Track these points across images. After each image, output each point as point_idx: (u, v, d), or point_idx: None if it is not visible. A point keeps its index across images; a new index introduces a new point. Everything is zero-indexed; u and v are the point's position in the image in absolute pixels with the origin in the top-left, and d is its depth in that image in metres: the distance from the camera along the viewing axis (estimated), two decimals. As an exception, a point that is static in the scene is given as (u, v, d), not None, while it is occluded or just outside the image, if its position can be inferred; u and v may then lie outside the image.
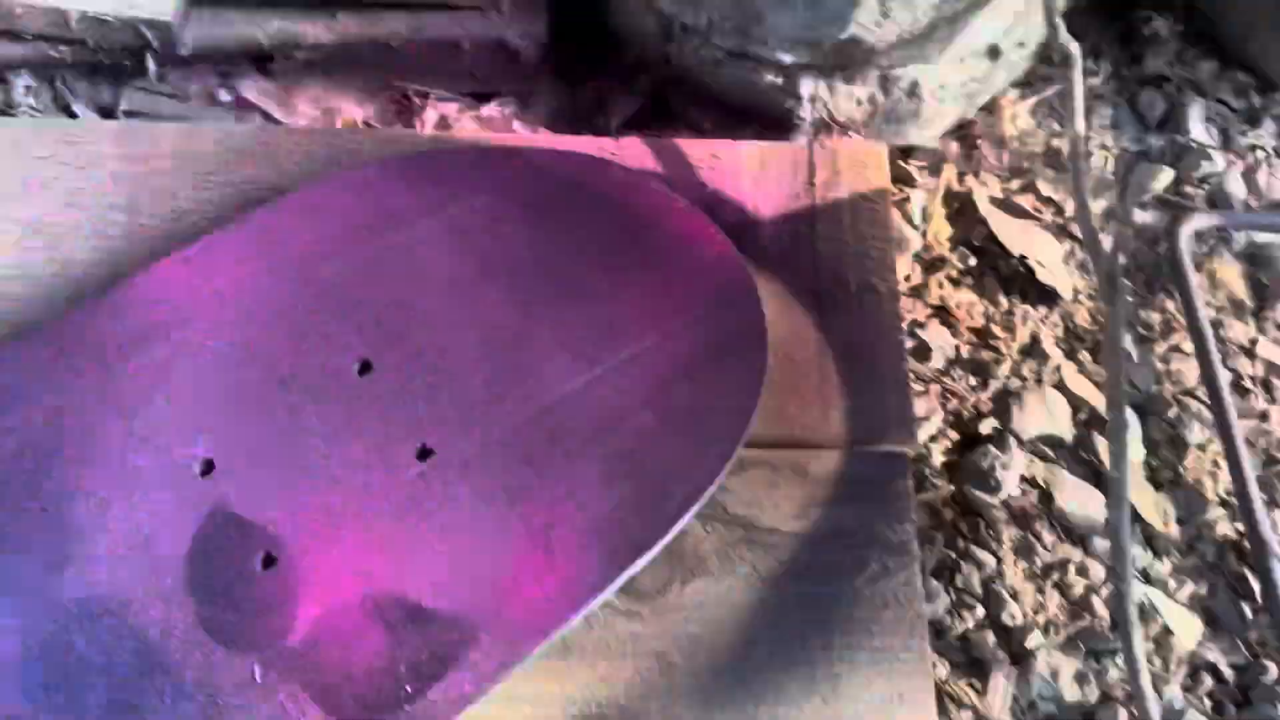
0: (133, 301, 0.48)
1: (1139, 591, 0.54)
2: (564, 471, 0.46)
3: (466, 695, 0.41)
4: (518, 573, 0.44)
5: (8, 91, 0.61)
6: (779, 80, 0.59)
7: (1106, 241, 0.60)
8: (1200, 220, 0.63)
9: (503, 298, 0.50)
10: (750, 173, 0.58)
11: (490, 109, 0.62)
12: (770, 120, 0.61)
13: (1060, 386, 0.59)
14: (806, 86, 0.59)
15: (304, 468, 0.45)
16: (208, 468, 0.44)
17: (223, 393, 0.46)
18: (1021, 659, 0.52)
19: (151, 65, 0.58)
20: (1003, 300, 0.61)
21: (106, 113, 0.61)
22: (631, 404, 0.48)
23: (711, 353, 0.50)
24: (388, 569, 0.43)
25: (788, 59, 0.57)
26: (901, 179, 0.64)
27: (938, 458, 0.57)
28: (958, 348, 0.60)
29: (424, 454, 0.45)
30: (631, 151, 0.57)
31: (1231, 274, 0.64)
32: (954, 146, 0.66)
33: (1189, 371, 0.60)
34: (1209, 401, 0.54)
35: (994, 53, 0.61)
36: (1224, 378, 0.54)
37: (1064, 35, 0.54)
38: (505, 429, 0.46)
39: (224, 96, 0.61)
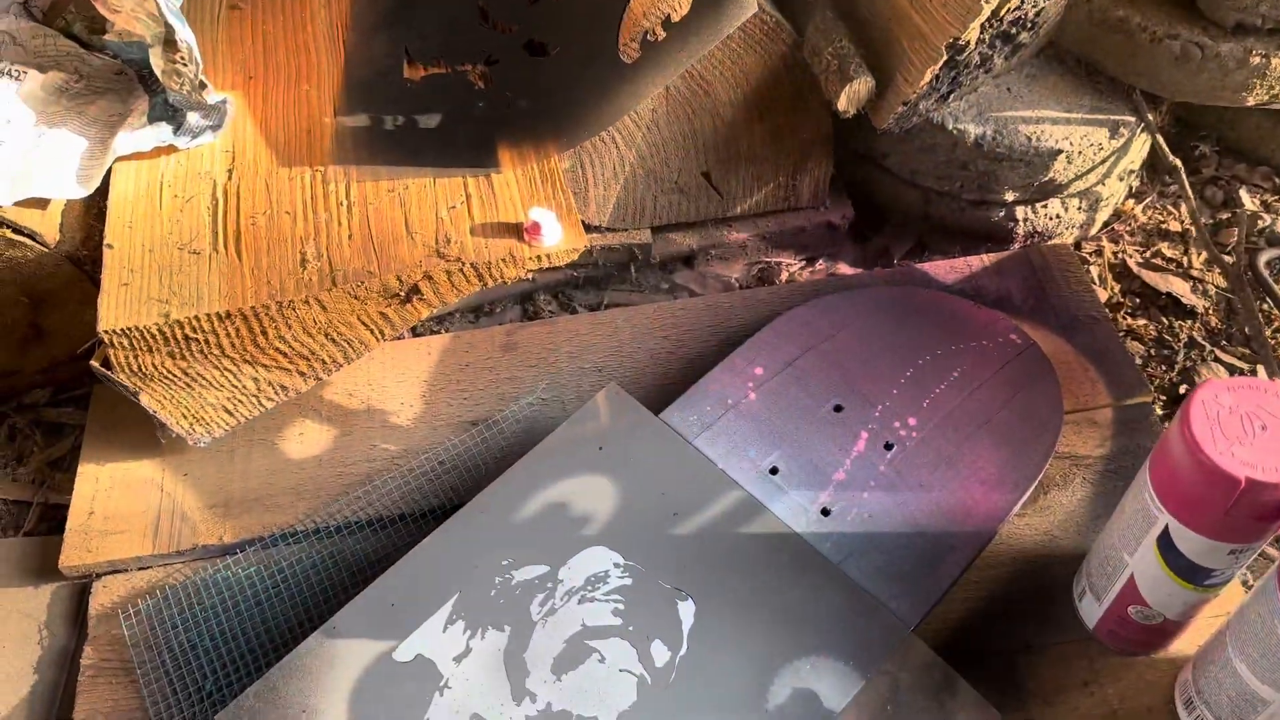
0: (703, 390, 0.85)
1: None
2: (971, 445, 0.82)
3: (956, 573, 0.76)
4: (974, 498, 0.79)
5: (535, 303, 1.00)
6: (1001, 212, 0.98)
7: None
8: (1268, 252, 1.00)
9: (893, 359, 0.87)
10: (994, 271, 0.96)
11: (819, 265, 1.02)
12: (997, 238, 1.00)
13: (1216, 360, 0.95)
14: (1019, 213, 0.98)
15: (828, 461, 0.81)
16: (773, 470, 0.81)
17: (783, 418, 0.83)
18: None
19: (632, 271, 0.98)
20: (1164, 320, 0.98)
21: (593, 308, 1.00)
22: (994, 408, 0.84)
23: (1025, 379, 0.86)
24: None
25: (1010, 198, 0.96)
26: (1083, 259, 1.02)
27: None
28: (1147, 352, 0.96)
29: (889, 446, 0.82)
30: (915, 275, 0.96)
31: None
32: (1104, 236, 1.05)
33: (1291, 341, 0.96)
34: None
35: (1122, 177, 1.01)
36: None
37: (1170, 158, 0.93)
38: (933, 425, 0.83)
39: (663, 285, 1.00)
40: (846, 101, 0.84)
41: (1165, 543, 0.63)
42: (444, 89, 0.88)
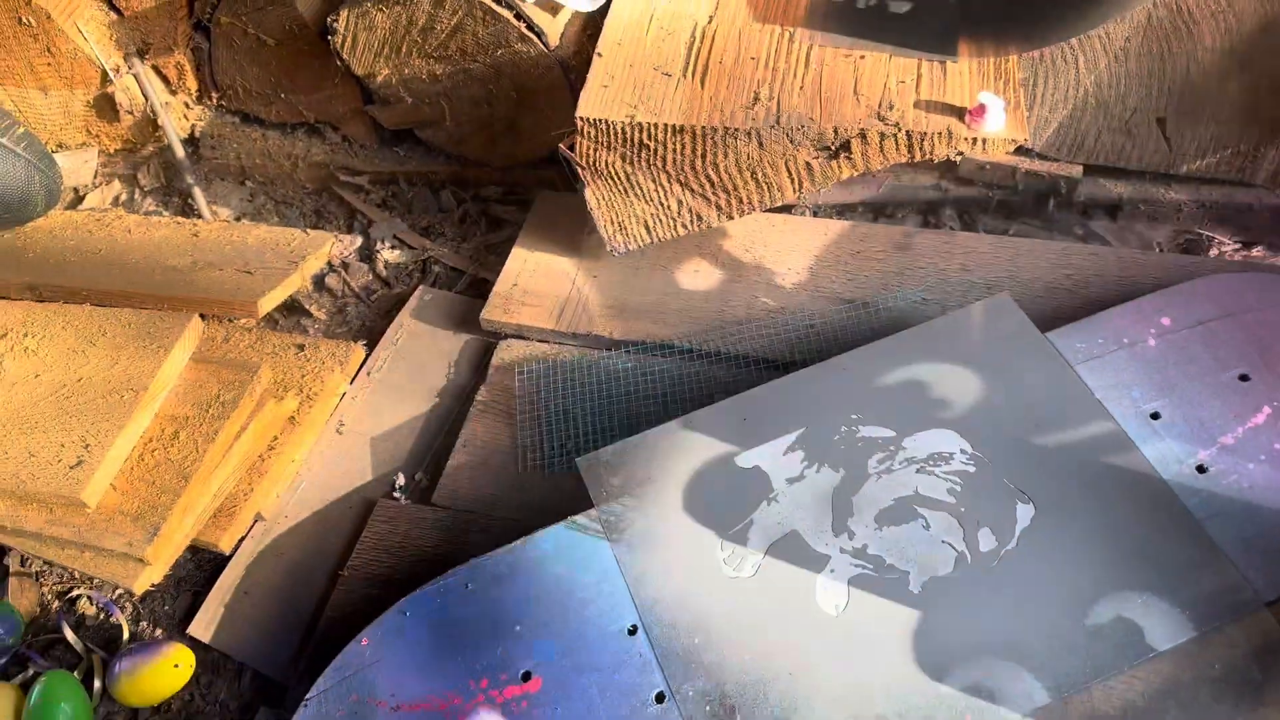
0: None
1: None
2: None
3: None
4: None
5: (938, 217, 1.02)
6: None
7: None
8: None
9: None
10: None
11: (1257, 251, 0.94)
12: None
13: None
14: None
15: (1218, 424, 0.76)
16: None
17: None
18: None
19: (1050, 206, 0.97)
20: None
21: (1000, 234, 1.00)
22: None
23: None
24: None
25: None
26: None
27: None
28: None
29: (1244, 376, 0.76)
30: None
31: None
32: None
33: None
34: None
35: None
36: None
37: None
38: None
39: (1077, 230, 0.98)
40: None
41: None
42: (921, -18, 0.92)
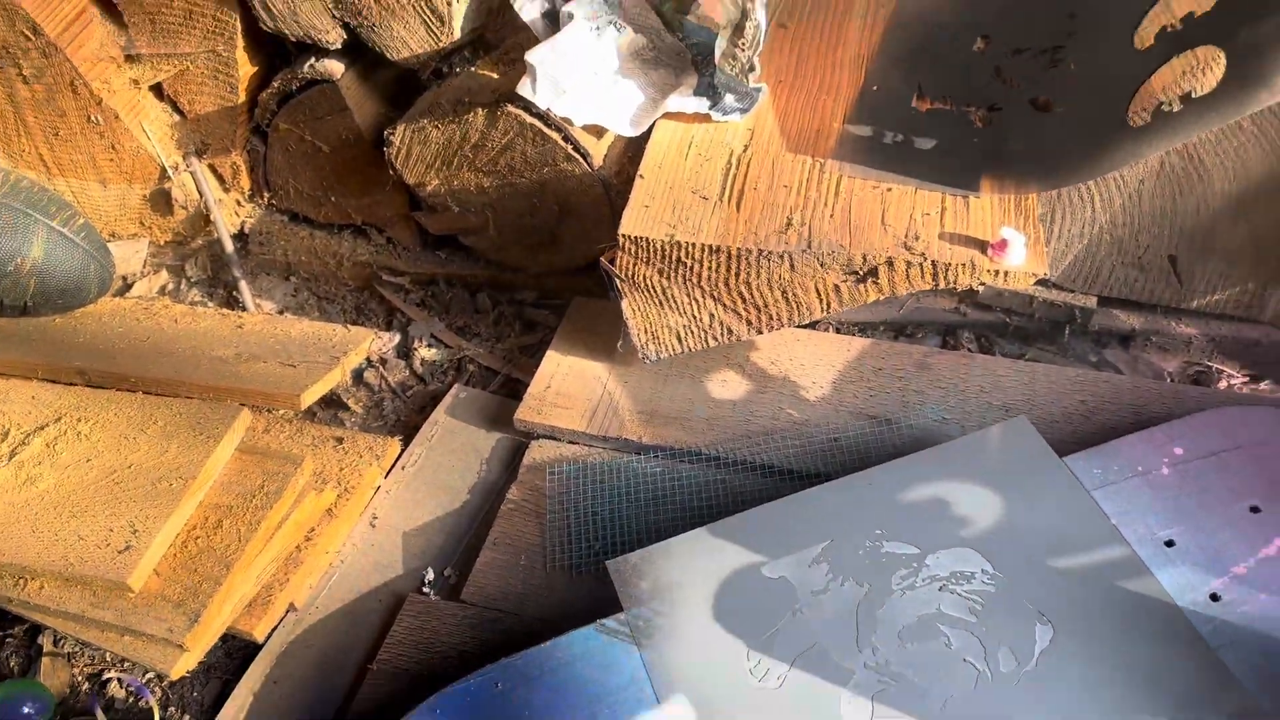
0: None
1: None
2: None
3: None
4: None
5: (956, 339, 1.06)
6: None
7: None
8: None
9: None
10: None
11: (1264, 386, 0.98)
12: None
13: None
14: None
15: (1231, 553, 0.79)
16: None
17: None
18: None
19: (1065, 334, 1.01)
20: None
21: (1016, 359, 1.04)
22: None
23: None
24: None
25: None
26: None
27: None
28: None
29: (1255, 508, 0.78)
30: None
31: None
32: None
33: None
34: None
35: None
36: None
37: None
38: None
39: (1091, 357, 1.02)
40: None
41: None
42: (945, 121, 0.98)
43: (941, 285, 0.86)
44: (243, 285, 1.24)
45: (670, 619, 0.79)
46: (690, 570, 0.82)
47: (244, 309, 1.23)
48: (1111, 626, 0.76)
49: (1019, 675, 0.74)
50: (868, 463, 0.89)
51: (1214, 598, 0.77)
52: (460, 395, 1.08)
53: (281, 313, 1.24)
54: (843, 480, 0.87)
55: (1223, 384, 0.99)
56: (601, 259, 0.95)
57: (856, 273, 0.88)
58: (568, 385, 1.02)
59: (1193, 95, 0.83)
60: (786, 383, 1.01)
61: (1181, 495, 0.83)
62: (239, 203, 1.25)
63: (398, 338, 1.18)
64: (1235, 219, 0.93)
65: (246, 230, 1.26)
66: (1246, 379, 0.99)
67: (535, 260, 1.14)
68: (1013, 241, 0.84)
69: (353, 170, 1.16)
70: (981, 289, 0.87)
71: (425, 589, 0.91)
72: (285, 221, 1.25)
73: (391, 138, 1.06)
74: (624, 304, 0.96)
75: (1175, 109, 0.83)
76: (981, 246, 0.86)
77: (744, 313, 0.94)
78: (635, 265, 0.93)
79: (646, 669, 0.76)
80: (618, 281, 0.94)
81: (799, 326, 0.99)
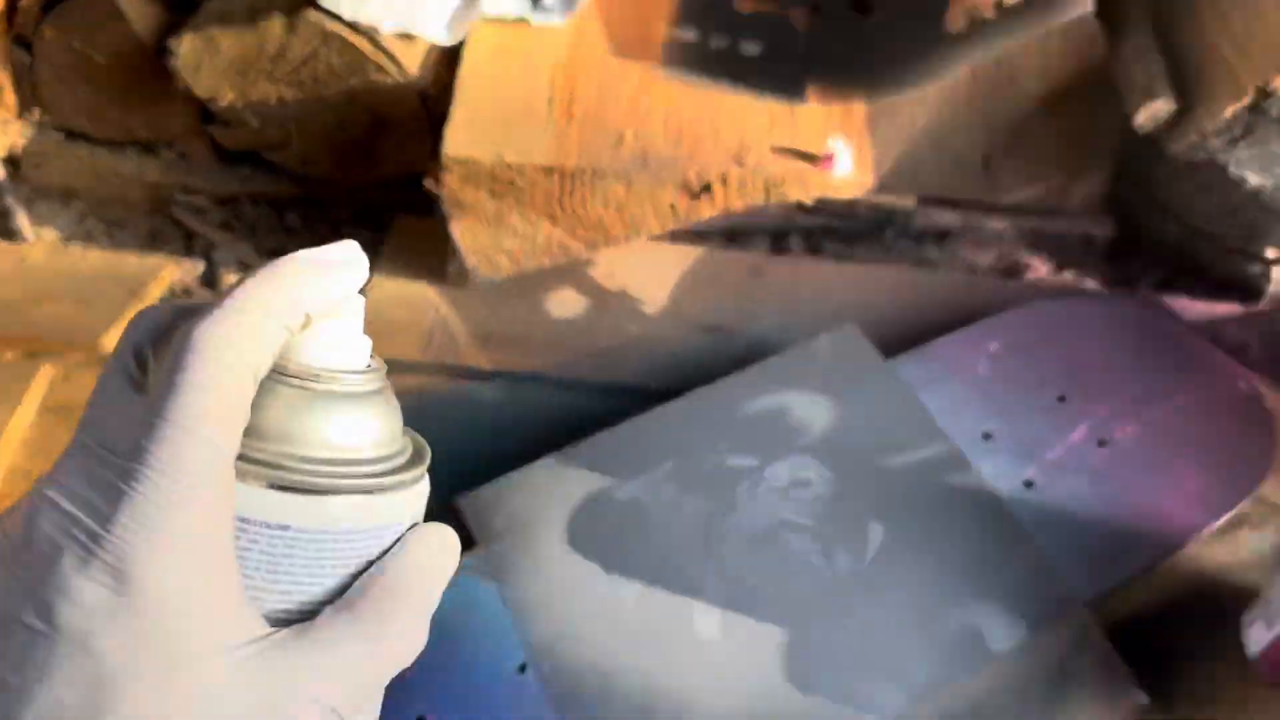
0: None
1: None
2: (1179, 464, 0.85)
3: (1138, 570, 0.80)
4: (1171, 510, 0.82)
5: (786, 242, 1.08)
6: (1257, 267, 0.99)
7: None
8: None
9: (1125, 371, 0.90)
10: (1236, 322, 0.98)
11: (1069, 275, 1.05)
12: (1245, 291, 1.01)
13: None
14: (1275, 273, 0.99)
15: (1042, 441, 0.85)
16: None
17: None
18: None
19: (888, 235, 1.04)
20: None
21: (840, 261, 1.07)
22: (1209, 439, 0.86)
23: (1244, 424, 0.88)
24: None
25: (1271, 255, 0.98)
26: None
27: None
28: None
29: (1103, 443, 0.85)
30: (1158, 305, 0.99)
31: None
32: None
33: None
34: None
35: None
36: None
37: None
38: (1149, 437, 0.86)
39: (912, 257, 1.06)
40: (1146, 117, 0.87)
41: (1371, 579, 0.65)
42: (769, 25, 0.97)
43: (773, 199, 0.87)
44: (19, 214, 1.11)
45: (526, 551, 0.79)
46: (542, 500, 0.82)
47: (22, 240, 1.11)
48: (938, 520, 0.81)
49: (857, 572, 0.78)
50: (710, 376, 0.91)
51: (1028, 485, 0.83)
52: (282, 326, 1.02)
53: (67, 242, 1.12)
54: (685, 398, 0.88)
55: (1032, 275, 1.05)
56: (426, 180, 0.90)
57: (691, 190, 0.88)
58: (396, 312, 0.98)
59: (1004, 3, 0.85)
60: (626, 298, 1.00)
61: (997, 390, 0.89)
62: (6, 121, 1.10)
63: (202, 265, 1.09)
64: (1044, 118, 0.97)
65: (18, 152, 1.12)
66: (1053, 270, 1.06)
67: (349, 175, 1.08)
68: (840, 153, 0.85)
69: (134, 82, 1.04)
70: (811, 202, 0.88)
71: (264, 536, 0.87)
72: (61, 140, 1.12)
73: (175, 48, 0.96)
74: (452, 226, 0.92)
75: (990, 17, 0.85)
76: (811, 159, 0.87)
77: (580, 232, 0.92)
78: (463, 187, 0.89)
79: (506, 603, 0.76)
80: (445, 205, 0.90)
81: (634, 240, 0.97)
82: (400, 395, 0.96)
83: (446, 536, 0.35)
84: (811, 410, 0.87)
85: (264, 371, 0.31)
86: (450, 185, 0.89)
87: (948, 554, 0.79)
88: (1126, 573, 0.79)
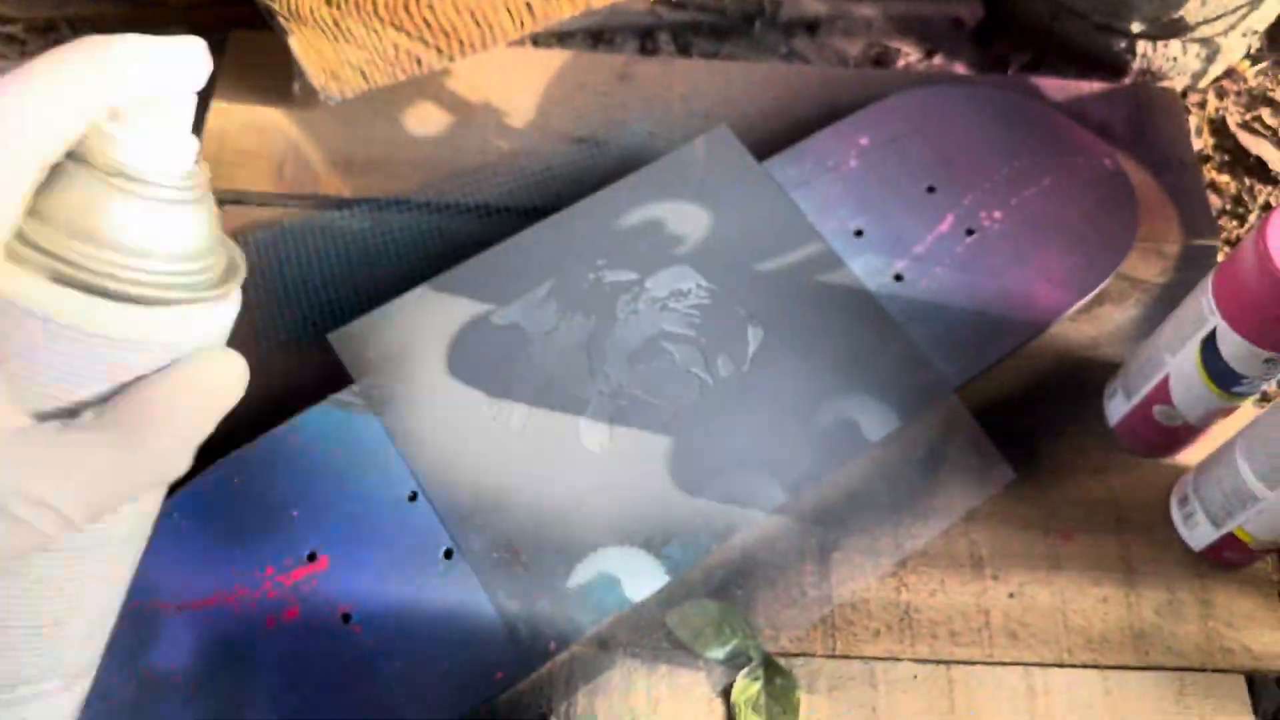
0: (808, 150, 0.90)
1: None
2: (1044, 246, 0.87)
3: (1003, 353, 0.83)
4: (1036, 293, 0.85)
5: (655, 40, 1.03)
6: (1124, 43, 1.00)
7: (1315, 146, 1.00)
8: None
9: (992, 157, 0.91)
10: (1102, 99, 0.99)
11: (937, 60, 1.04)
12: (1112, 68, 1.02)
13: (1288, 228, 0.99)
14: (1140, 47, 1.00)
15: (911, 234, 0.87)
16: (859, 232, 0.86)
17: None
18: None
19: (756, 27, 1.00)
20: (1246, 180, 1.02)
21: (709, 56, 1.03)
22: (1073, 219, 0.89)
23: (1107, 200, 0.90)
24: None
25: (1136, 29, 0.98)
26: (1186, 108, 1.04)
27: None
28: (1223, 206, 1.00)
29: (970, 231, 0.87)
30: (1026, 87, 0.99)
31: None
32: (1211, 90, 1.06)
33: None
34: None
35: (1245, 34, 1.01)
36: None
37: (1304, 20, 0.94)
38: (1015, 221, 0.88)
39: (781, 49, 1.03)
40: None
41: (1209, 344, 0.69)
42: None
43: (635, -6, 0.82)
44: None
45: (405, 382, 0.78)
46: (418, 330, 0.80)
47: None
48: (813, 318, 0.83)
49: (737, 376, 0.80)
50: (583, 190, 0.88)
51: (898, 278, 0.85)
52: (120, 164, 0.94)
53: None
54: (559, 215, 0.86)
55: (902, 63, 1.03)
56: (255, -8, 0.82)
57: (546, -12, 0.82)
58: (244, 140, 0.92)
59: None
60: (490, 110, 0.95)
61: (868, 184, 0.89)
62: None
63: (23, 100, 0.99)
64: (909, -104, 0.93)
65: None
66: (922, 54, 1.04)
67: (174, -9, 0.98)
68: (702, -57, 0.80)
69: (-100, -111, 0.91)
70: (661, 14, 0.83)
71: (131, 388, 0.84)
72: None
73: None
74: (291, 41, 0.84)
75: None
76: (671, -51, 0.82)
77: (431, 40, 0.86)
78: (297, -3, 0.82)
79: (390, 435, 0.76)
80: (280, 18, 0.82)
81: (492, 48, 0.92)
82: (256, 229, 0.90)
83: (233, 365, 0.34)
84: (688, 219, 0.86)
85: (54, 157, 0.29)
86: (282, -4, 0.81)
87: (823, 351, 0.81)
88: (994, 357, 0.82)
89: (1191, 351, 0.71)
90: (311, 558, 0.72)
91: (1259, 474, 0.68)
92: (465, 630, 0.71)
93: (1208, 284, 0.69)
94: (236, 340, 0.88)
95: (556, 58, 0.98)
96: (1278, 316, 0.64)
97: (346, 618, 0.71)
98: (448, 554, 0.73)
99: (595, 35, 1.03)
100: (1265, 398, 0.87)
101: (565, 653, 0.72)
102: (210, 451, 0.78)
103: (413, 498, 0.74)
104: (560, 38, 1.02)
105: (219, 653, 0.69)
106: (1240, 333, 0.67)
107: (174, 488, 0.75)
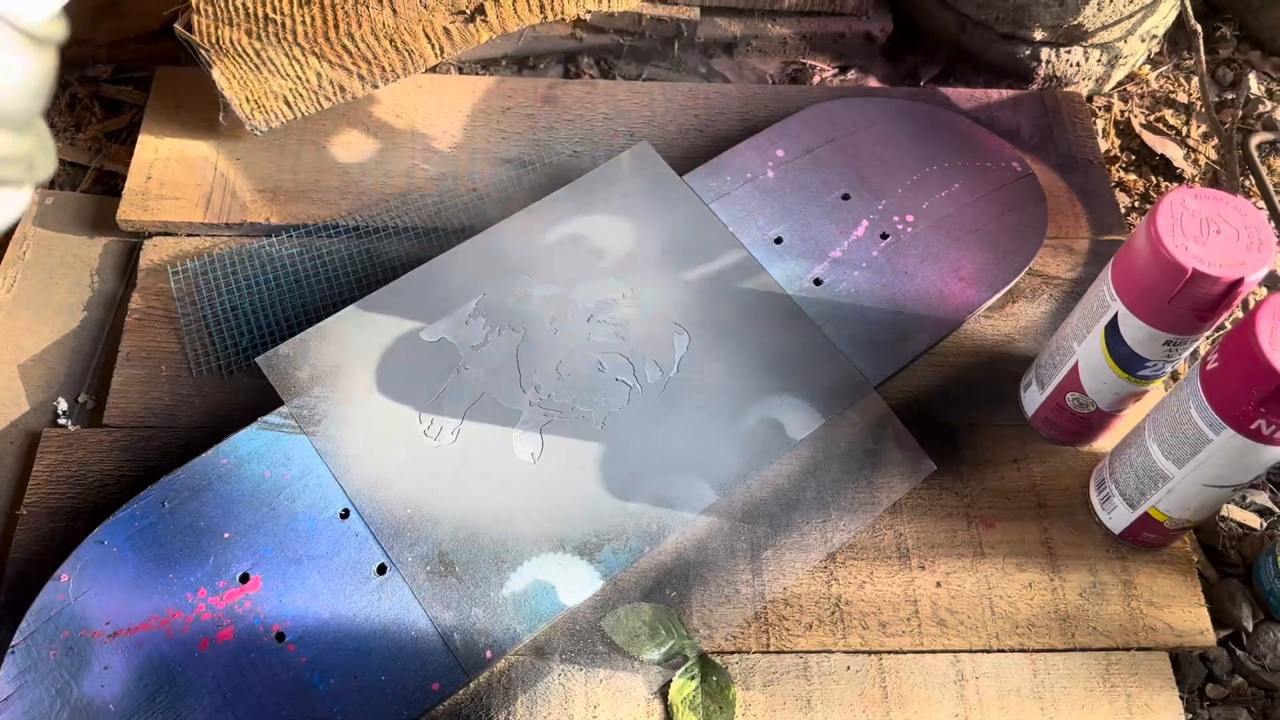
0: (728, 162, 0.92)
1: None
2: (957, 248, 0.90)
3: (920, 350, 0.86)
4: (950, 292, 0.88)
5: (578, 64, 1.06)
6: (1028, 51, 1.04)
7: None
8: (1260, 135, 1.07)
9: (903, 164, 0.94)
10: (1009, 105, 1.03)
11: (851, 75, 1.07)
12: (1018, 76, 1.06)
13: (1192, 223, 1.03)
14: (1044, 54, 1.04)
15: (828, 240, 0.89)
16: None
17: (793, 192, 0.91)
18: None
19: (675, 49, 1.03)
20: (1153, 178, 1.06)
21: (632, 79, 1.06)
22: (984, 221, 0.92)
23: (1017, 201, 0.94)
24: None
25: (1038, 37, 1.02)
26: (1092, 111, 1.08)
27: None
28: (1131, 203, 1.04)
29: (885, 235, 0.90)
30: (937, 97, 1.02)
31: (1284, 167, 1.09)
32: (1115, 94, 1.11)
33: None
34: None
35: (1143, 39, 1.06)
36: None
37: (1192, 22, 0.99)
38: (928, 225, 0.91)
39: (700, 69, 1.06)
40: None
41: (1112, 330, 0.72)
42: None
43: (550, 18, 0.85)
44: None
45: (336, 401, 0.79)
46: (348, 349, 0.81)
47: None
48: (736, 324, 0.85)
49: (664, 382, 0.82)
50: (511, 209, 0.90)
51: (817, 282, 0.87)
52: (47, 201, 0.95)
53: None
54: (485, 233, 0.87)
55: (816, 79, 1.07)
56: (176, 25, 0.83)
57: (464, 12, 0.84)
58: (172, 172, 0.93)
59: None
60: (416, 135, 0.97)
61: (785, 194, 0.91)
62: None
63: (-52, 142, 0.99)
64: (814, -83, 0.96)
65: None
66: (836, 69, 1.08)
67: (98, 28, 0.99)
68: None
69: None
70: (589, 16, 0.86)
71: (61, 420, 0.84)
72: None
73: None
74: (215, 73, 0.86)
75: None
76: (583, -28, 0.84)
77: (354, 67, 0.87)
78: (217, 28, 0.83)
79: (319, 454, 0.77)
80: (202, 50, 0.84)
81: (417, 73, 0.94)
82: (187, 258, 0.91)
83: None
84: (612, 232, 0.88)
85: None
86: (201, 27, 0.82)
87: (747, 356, 0.83)
88: (913, 354, 0.85)
89: (1097, 338, 0.74)
90: (244, 579, 0.72)
91: (1167, 453, 0.71)
92: (401, 643, 0.71)
93: (1107, 272, 0.72)
94: (170, 369, 0.87)
95: (481, 83, 1.00)
96: (1171, 299, 0.67)
97: (281, 637, 0.71)
98: (381, 569, 0.73)
99: (520, 61, 1.05)
100: (1175, 379, 0.90)
101: (503, 661, 0.73)
102: (141, 478, 0.78)
103: (345, 515, 0.75)
104: (485, 65, 1.05)
105: (153, 678, 0.69)
106: (1140, 316, 0.69)
107: (104, 515, 0.75)
